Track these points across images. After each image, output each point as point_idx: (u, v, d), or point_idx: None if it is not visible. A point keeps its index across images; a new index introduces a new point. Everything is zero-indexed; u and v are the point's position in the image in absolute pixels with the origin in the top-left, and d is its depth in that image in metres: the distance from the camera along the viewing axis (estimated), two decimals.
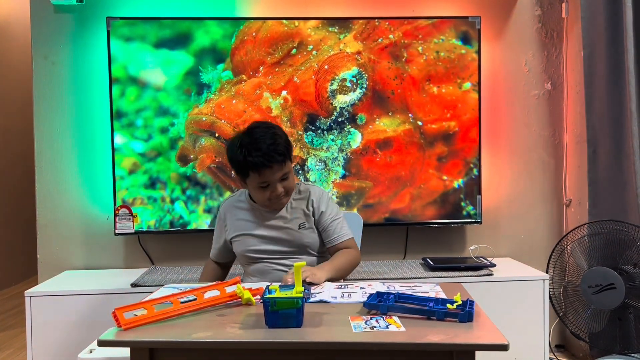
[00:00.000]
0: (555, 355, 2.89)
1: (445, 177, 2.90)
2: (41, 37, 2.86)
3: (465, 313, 1.41)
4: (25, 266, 4.59)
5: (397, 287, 1.73)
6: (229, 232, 2.00)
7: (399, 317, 1.42)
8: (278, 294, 1.39)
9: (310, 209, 1.97)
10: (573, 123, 3.00)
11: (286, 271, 1.90)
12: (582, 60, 2.85)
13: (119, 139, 2.78)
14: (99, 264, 2.88)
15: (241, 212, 1.99)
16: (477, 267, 2.70)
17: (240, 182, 1.93)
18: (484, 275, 2.64)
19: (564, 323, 2.68)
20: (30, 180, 2.92)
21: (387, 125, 2.87)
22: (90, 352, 1.72)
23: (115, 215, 2.76)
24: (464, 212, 2.91)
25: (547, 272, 2.70)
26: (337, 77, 2.84)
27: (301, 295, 1.38)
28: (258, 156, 1.79)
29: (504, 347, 1.25)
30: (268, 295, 1.37)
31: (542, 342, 2.63)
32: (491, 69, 3.00)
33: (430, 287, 1.75)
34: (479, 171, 2.90)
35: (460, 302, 1.47)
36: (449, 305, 1.46)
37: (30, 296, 2.48)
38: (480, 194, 2.90)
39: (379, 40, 2.85)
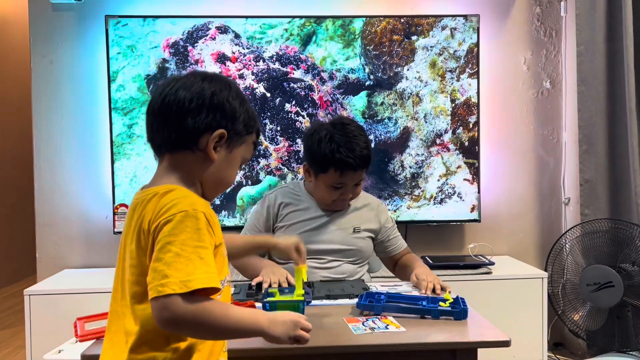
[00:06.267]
0: (553, 353, 2.89)
1: (444, 175, 2.90)
2: (40, 36, 2.86)
3: (461, 311, 1.42)
4: (24, 265, 4.58)
5: (378, 287, 1.73)
6: (279, 220, 1.89)
7: (393, 316, 1.43)
8: (277, 297, 1.36)
9: (379, 221, 1.93)
10: (571, 122, 3.00)
11: (331, 276, 1.84)
12: (577, 58, 2.85)
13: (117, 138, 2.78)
14: (98, 262, 2.89)
15: (298, 205, 1.89)
16: (475, 265, 2.71)
17: (310, 173, 1.84)
18: (482, 274, 2.64)
19: (562, 321, 2.68)
20: (29, 178, 2.92)
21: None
22: (59, 352, 1.70)
23: (114, 214, 2.76)
24: (463, 211, 2.90)
25: (545, 270, 2.70)
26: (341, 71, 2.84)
27: (302, 298, 1.35)
28: (350, 157, 1.72)
29: (505, 344, 1.26)
30: (267, 299, 1.34)
31: (540, 340, 2.63)
32: (490, 68, 2.99)
33: (410, 287, 1.75)
34: (478, 169, 2.90)
35: (451, 300, 1.48)
36: (441, 304, 1.46)
37: (30, 295, 2.49)
38: (479, 192, 2.90)
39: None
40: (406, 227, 2.93)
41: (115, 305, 1.07)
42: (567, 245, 2.69)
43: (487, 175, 2.99)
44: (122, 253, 1.07)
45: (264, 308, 1.33)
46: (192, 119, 1.06)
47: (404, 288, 1.74)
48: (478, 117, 2.89)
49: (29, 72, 2.88)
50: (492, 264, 2.72)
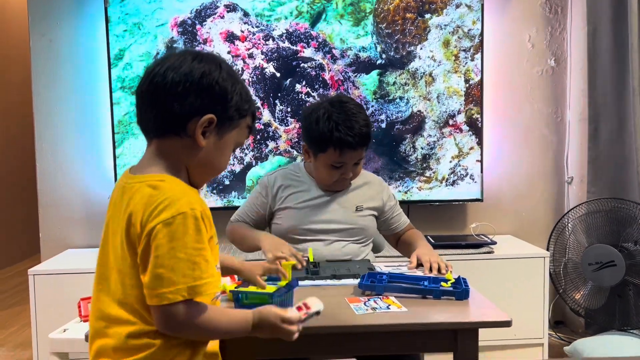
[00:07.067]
0: (554, 331, 2.91)
1: (456, 157, 2.88)
2: (38, 14, 2.82)
3: (463, 291, 1.42)
4: (28, 244, 4.61)
5: (382, 267, 1.73)
6: (278, 202, 1.87)
7: (395, 296, 1.43)
8: (251, 288, 1.35)
9: (382, 199, 1.92)
10: (576, 100, 2.97)
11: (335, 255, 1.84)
12: (586, 36, 2.82)
13: (119, 118, 2.76)
14: None
15: (298, 186, 1.88)
16: (477, 244, 2.71)
17: (308, 154, 1.82)
18: (484, 253, 2.64)
19: (563, 300, 2.69)
20: (32, 158, 2.92)
21: None
22: (64, 331, 1.72)
23: None
24: (466, 190, 2.90)
25: (547, 250, 2.70)
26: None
27: (274, 289, 1.32)
28: (349, 135, 1.68)
29: (506, 324, 1.26)
30: (240, 289, 1.34)
31: (542, 318, 2.65)
32: (494, 45, 2.95)
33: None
34: (481, 148, 2.88)
35: (453, 280, 1.48)
36: (443, 284, 1.47)
37: (34, 274, 2.50)
38: (482, 171, 2.89)
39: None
40: (408, 207, 2.92)
41: (97, 287, 1.07)
42: (569, 224, 2.69)
43: (490, 154, 2.97)
44: (109, 236, 1.05)
45: (237, 297, 1.33)
46: (179, 104, 1.01)
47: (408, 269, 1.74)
48: (481, 95, 2.86)
49: (28, 51, 2.85)
50: (494, 243, 2.72)
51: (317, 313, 1.11)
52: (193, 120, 1.02)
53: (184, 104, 1.01)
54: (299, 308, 1.10)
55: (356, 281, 1.54)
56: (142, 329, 1.00)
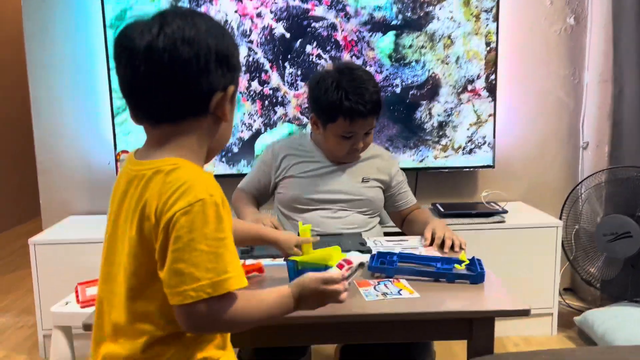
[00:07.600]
0: (563, 299, 2.87)
1: (474, 124, 2.76)
2: None
3: (478, 275, 1.35)
4: (29, 206, 4.56)
5: (383, 243, 1.67)
6: (281, 172, 1.84)
7: (406, 279, 1.36)
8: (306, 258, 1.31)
9: (389, 173, 1.88)
10: (595, 61, 2.83)
11: (341, 226, 1.80)
12: None
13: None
14: (103, 209, 2.84)
15: (303, 156, 1.84)
16: (488, 213, 2.63)
17: (317, 125, 1.76)
18: (495, 222, 2.57)
19: (574, 268, 2.64)
20: (29, 122, 2.82)
21: None
22: (66, 304, 1.69)
23: (117, 160, 2.68)
24: (477, 156, 2.80)
25: (560, 219, 2.62)
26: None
27: (331, 264, 1.27)
28: (359, 103, 1.63)
29: (524, 313, 1.20)
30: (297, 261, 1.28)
31: (552, 288, 2.59)
32: (511, 2, 2.79)
33: (417, 242, 1.69)
34: (494, 112, 2.76)
35: (467, 262, 1.41)
36: (456, 266, 1.40)
37: (35, 244, 2.45)
38: (494, 137, 2.78)
39: None
40: (417, 174, 2.83)
41: (106, 287, 0.98)
42: (584, 192, 2.60)
43: (502, 118, 2.85)
44: (118, 232, 0.95)
45: (290, 266, 1.28)
46: (205, 81, 0.89)
47: (410, 243, 1.67)
48: (496, 55, 2.71)
49: (19, 9, 2.72)
50: (505, 212, 2.64)
51: (361, 265, 1.07)
52: (216, 95, 0.92)
53: (208, 80, 0.90)
54: (339, 266, 1.06)
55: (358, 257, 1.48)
56: (154, 336, 0.91)
